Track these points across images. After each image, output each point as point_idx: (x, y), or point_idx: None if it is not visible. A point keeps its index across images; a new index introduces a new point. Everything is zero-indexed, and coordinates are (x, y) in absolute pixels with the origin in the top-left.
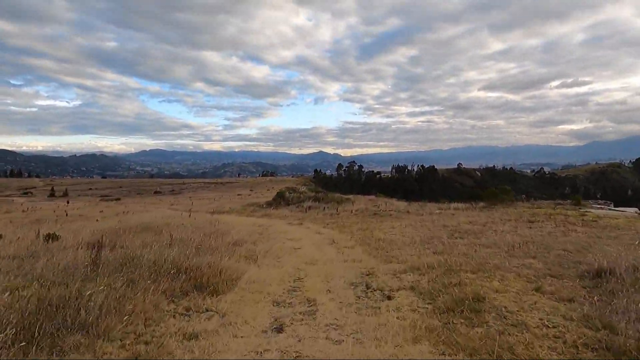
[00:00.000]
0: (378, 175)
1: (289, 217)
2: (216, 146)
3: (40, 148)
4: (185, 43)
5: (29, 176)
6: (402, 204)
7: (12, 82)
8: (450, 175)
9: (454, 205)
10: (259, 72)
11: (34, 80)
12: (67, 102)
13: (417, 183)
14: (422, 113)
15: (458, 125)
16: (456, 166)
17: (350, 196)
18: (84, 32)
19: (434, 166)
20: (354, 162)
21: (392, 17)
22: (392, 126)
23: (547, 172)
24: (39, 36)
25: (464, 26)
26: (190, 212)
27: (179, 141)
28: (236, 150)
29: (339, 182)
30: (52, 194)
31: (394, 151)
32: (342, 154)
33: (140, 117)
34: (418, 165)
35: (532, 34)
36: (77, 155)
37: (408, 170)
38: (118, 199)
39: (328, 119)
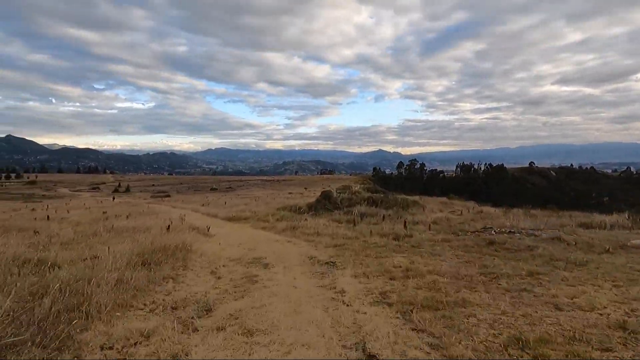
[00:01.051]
0: (441, 174)
1: (325, 234)
2: (277, 144)
3: (118, 147)
4: (250, 46)
5: (105, 172)
6: (492, 210)
7: (96, 86)
8: (521, 175)
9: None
10: (320, 72)
11: (114, 84)
12: (142, 104)
13: (485, 183)
14: (488, 109)
15: (528, 122)
16: (527, 165)
17: (417, 197)
18: (158, 39)
19: (502, 165)
20: (415, 160)
21: (457, 11)
22: (455, 123)
23: (635, 172)
24: (119, 44)
25: (537, 17)
26: (198, 214)
27: (242, 140)
28: (296, 148)
29: (399, 181)
30: (116, 190)
31: (456, 149)
32: (402, 153)
33: (206, 117)
34: (485, 164)
35: (616, 22)
36: (150, 153)
37: (474, 169)
38: (168, 196)
39: (388, 116)
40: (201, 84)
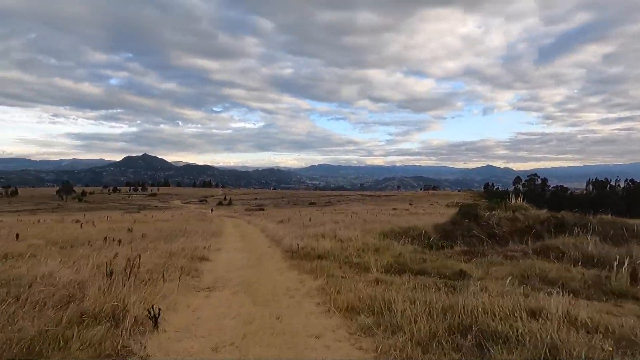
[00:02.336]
0: (568, 192)
1: None
2: (378, 161)
3: (232, 163)
4: (352, 64)
5: (216, 187)
6: None
7: (214, 109)
8: None
9: None
10: (422, 86)
11: (229, 106)
12: (253, 124)
13: (625, 201)
14: (619, 119)
15: None
16: None
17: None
18: (267, 64)
19: None
20: (535, 175)
21: (579, 12)
22: (578, 136)
23: None
24: (234, 70)
25: None
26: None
27: (344, 156)
28: (397, 164)
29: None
30: (220, 203)
31: (579, 164)
32: (513, 168)
33: (310, 134)
34: (626, 180)
35: None
36: (259, 169)
37: (611, 185)
38: (262, 209)
39: (497, 130)
40: (305, 104)
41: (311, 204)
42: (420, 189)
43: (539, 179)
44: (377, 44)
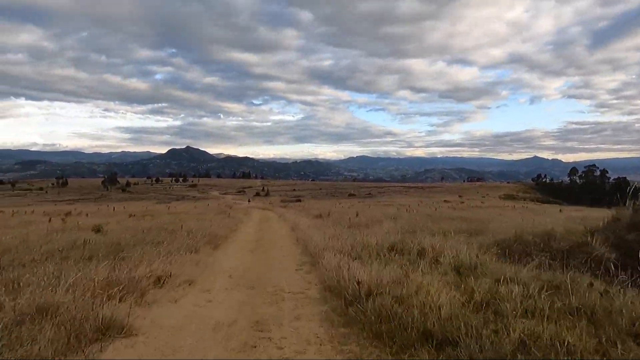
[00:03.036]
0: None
1: None
2: (418, 152)
3: (271, 155)
4: (391, 54)
5: (255, 178)
6: None
7: (254, 102)
8: None
9: None
10: (466, 75)
11: (269, 99)
12: (292, 116)
13: None
14: None
15: None
16: None
17: None
18: (306, 56)
19: None
20: (593, 165)
21: None
22: (636, 125)
23: None
24: (273, 63)
25: None
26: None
27: (383, 148)
28: (438, 156)
29: (572, 192)
30: (257, 194)
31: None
32: (562, 160)
33: (349, 126)
34: None
35: None
36: (298, 161)
37: None
38: (299, 200)
39: (545, 120)
40: (344, 95)
41: (351, 195)
42: (464, 181)
43: (597, 170)
44: (418, 32)
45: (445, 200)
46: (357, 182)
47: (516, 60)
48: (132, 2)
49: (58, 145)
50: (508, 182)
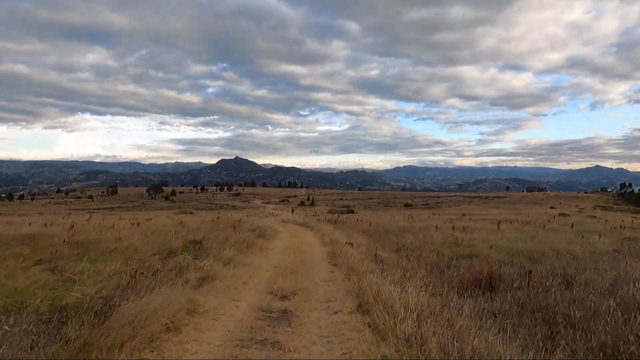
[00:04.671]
0: None
1: None
2: (467, 162)
3: (317, 166)
4: (441, 62)
5: (301, 187)
6: None
7: (302, 113)
8: None
9: None
10: (520, 81)
11: (316, 110)
12: (338, 126)
13: None
14: None
15: None
16: None
17: None
18: (353, 66)
19: None
20: None
21: None
22: None
23: None
24: (321, 74)
25: None
26: None
27: (430, 157)
28: (489, 165)
29: None
30: (301, 203)
31: None
32: (629, 169)
33: (396, 136)
34: None
35: None
36: (343, 171)
37: None
38: (351, 211)
39: (608, 126)
40: (391, 104)
41: (407, 205)
42: (523, 191)
43: None
44: (470, 39)
45: (552, 207)
46: (406, 191)
47: (576, 64)
48: (188, 20)
49: (118, 157)
50: (586, 192)
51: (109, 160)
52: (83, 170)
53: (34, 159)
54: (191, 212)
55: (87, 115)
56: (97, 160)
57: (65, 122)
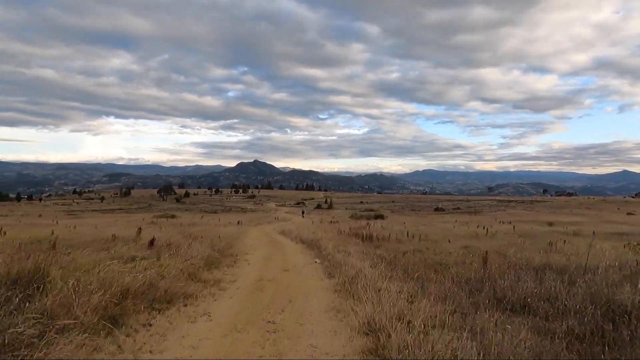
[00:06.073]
0: None
1: None
2: (488, 166)
3: (336, 169)
4: (462, 64)
5: (319, 190)
6: None
7: (320, 116)
8: None
9: None
10: (544, 83)
11: (335, 113)
12: (357, 130)
13: None
14: None
15: None
16: None
17: None
18: (373, 69)
19: None
20: None
21: None
22: None
23: None
24: (340, 77)
25: None
26: None
27: (450, 161)
28: (511, 170)
29: None
30: (318, 206)
31: None
32: None
33: (415, 139)
34: None
35: None
36: (362, 175)
37: None
38: (381, 216)
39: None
40: (411, 107)
41: (438, 210)
42: (551, 195)
43: None
44: (492, 40)
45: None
46: (427, 195)
47: (603, 65)
48: (208, 25)
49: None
50: (633, 197)
51: (132, 162)
52: (106, 173)
53: (60, 162)
54: (172, 216)
55: (111, 119)
56: (120, 162)
57: (90, 126)
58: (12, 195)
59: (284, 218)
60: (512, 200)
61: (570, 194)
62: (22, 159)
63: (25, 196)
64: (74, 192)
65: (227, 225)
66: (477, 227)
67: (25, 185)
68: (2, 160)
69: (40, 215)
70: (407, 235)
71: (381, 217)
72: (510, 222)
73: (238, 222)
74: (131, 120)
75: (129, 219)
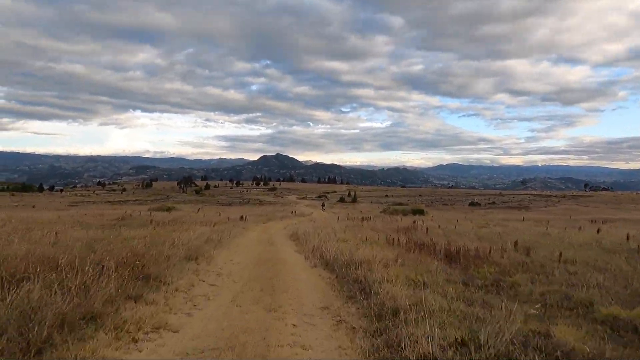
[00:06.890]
0: None
1: None
2: (515, 160)
3: (358, 163)
4: (488, 56)
5: (341, 183)
6: None
7: (343, 110)
8: None
9: None
10: (575, 75)
11: (357, 107)
12: (380, 123)
13: None
14: None
15: None
16: None
17: None
18: (396, 62)
19: None
20: None
21: None
22: None
23: None
24: (362, 70)
25: None
26: None
27: (475, 155)
28: (539, 164)
29: None
30: (341, 199)
31: None
32: None
33: (439, 133)
34: None
35: None
36: (385, 169)
37: None
38: (420, 212)
39: None
40: (435, 100)
41: (473, 204)
42: (585, 190)
43: None
44: (520, 30)
45: None
46: (452, 189)
47: (639, 55)
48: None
49: (166, 153)
50: None
51: (157, 155)
52: (133, 165)
53: (90, 154)
54: (168, 209)
55: (137, 113)
56: (146, 155)
57: (117, 119)
58: (44, 186)
59: (302, 213)
60: (551, 195)
61: (605, 189)
62: (53, 151)
63: (47, 187)
64: (98, 183)
65: (222, 222)
66: (566, 228)
67: (57, 177)
68: (36, 152)
69: (34, 207)
70: (510, 247)
71: (420, 212)
72: (603, 222)
73: (241, 218)
74: (156, 114)
75: (116, 209)
